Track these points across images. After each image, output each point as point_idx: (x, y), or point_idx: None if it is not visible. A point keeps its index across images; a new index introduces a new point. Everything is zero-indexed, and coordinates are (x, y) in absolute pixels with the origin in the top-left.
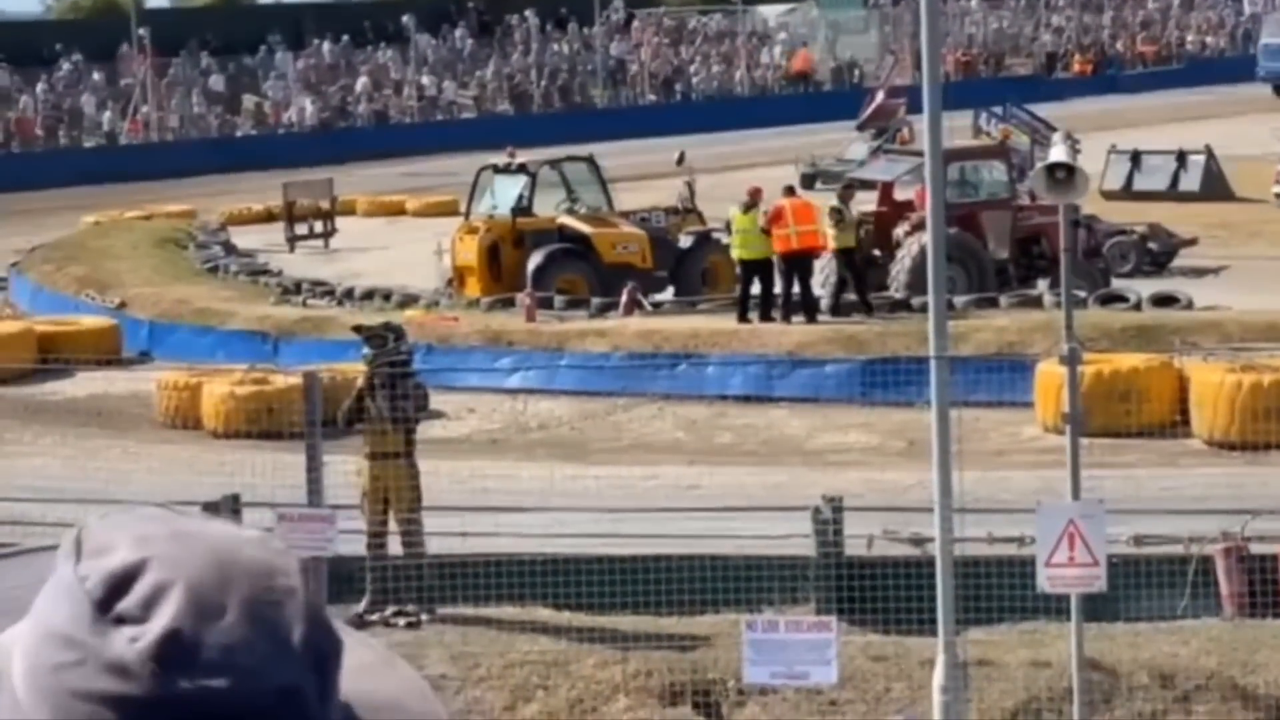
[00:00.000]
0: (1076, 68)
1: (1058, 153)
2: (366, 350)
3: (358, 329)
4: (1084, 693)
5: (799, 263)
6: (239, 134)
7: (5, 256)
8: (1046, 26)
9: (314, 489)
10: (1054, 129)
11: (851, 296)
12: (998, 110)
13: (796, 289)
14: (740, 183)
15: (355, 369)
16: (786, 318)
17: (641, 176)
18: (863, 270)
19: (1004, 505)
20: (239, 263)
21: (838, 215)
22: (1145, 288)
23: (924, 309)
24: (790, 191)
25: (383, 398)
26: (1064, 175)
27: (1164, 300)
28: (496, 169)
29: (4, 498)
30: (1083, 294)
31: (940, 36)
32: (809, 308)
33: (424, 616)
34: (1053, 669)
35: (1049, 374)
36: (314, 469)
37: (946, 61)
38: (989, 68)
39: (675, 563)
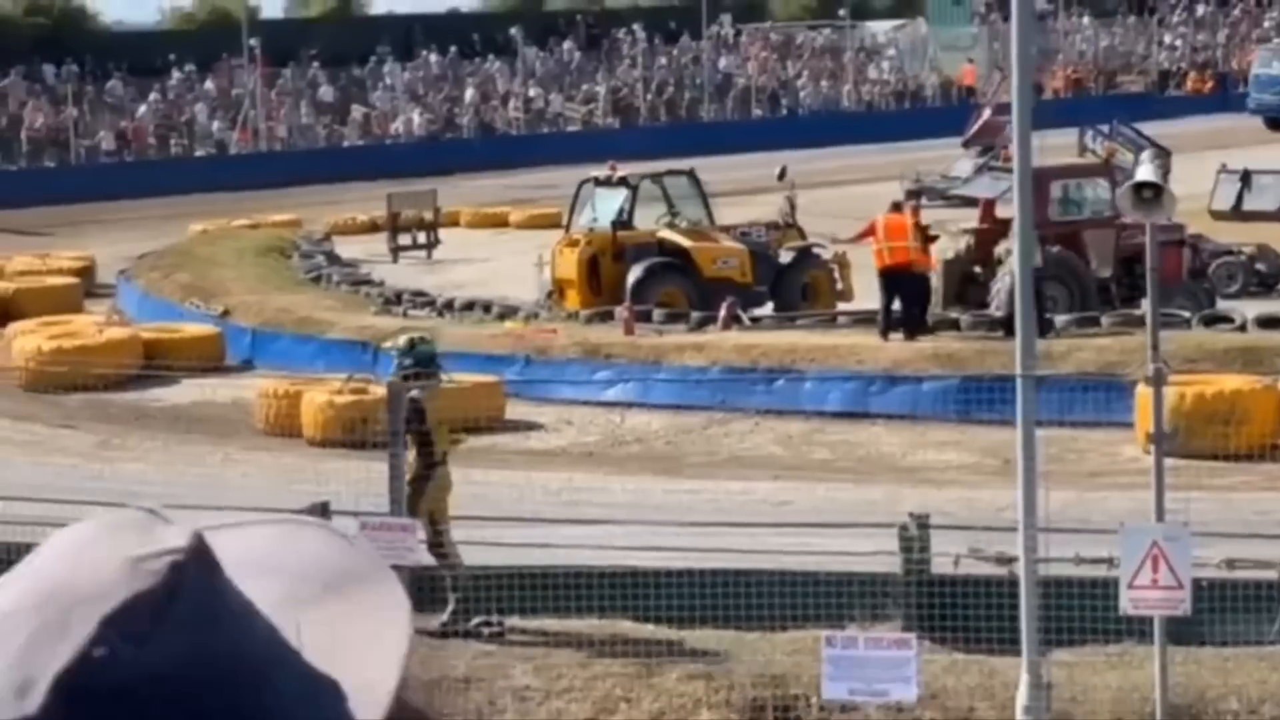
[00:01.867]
0: (1191, 85)
1: (1144, 171)
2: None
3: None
4: (1168, 717)
5: (894, 279)
6: (346, 144)
7: (117, 264)
8: (1159, 44)
9: (395, 499)
10: (1161, 148)
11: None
12: (1104, 128)
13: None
14: (843, 199)
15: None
16: (885, 334)
17: (744, 191)
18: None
19: (1097, 526)
20: (341, 272)
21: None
22: (1251, 309)
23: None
24: (896, 207)
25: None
26: (1150, 194)
27: (1270, 322)
28: (597, 182)
29: (105, 502)
30: (1186, 314)
31: (1031, 56)
32: (908, 324)
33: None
34: (1139, 692)
35: (1149, 394)
36: (396, 479)
37: (1056, 78)
38: (1099, 85)
39: (760, 578)
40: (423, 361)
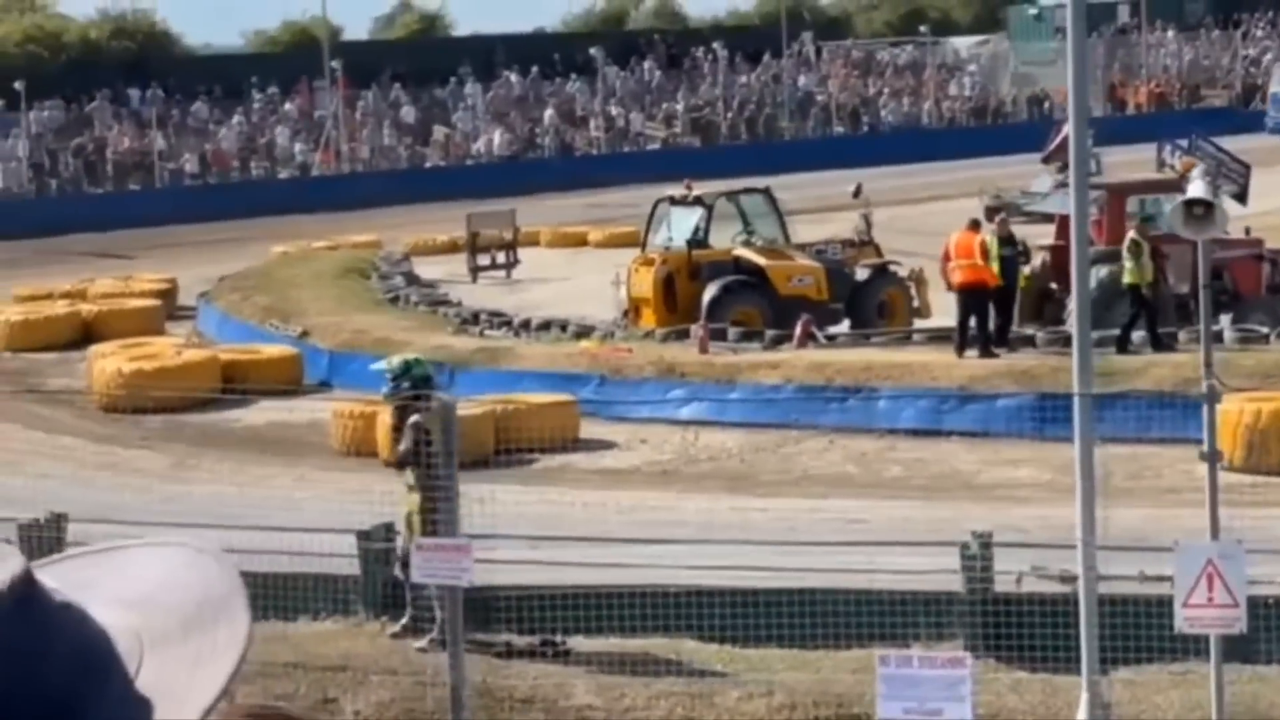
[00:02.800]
0: None
1: (1196, 188)
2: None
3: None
4: None
5: (967, 297)
6: (428, 165)
7: (198, 286)
8: (1244, 59)
9: (448, 519)
10: (1241, 162)
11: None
12: (1183, 143)
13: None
14: (923, 216)
15: (520, 399)
16: (959, 350)
17: (822, 209)
18: (1154, 306)
19: (1164, 544)
20: (419, 293)
21: (1136, 249)
22: None
23: (1101, 344)
24: (973, 225)
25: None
26: (1202, 211)
27: None
28: (673, 201)
29: (181, 523)
30: (1265, 330)
31: (1087, 72)
32: (984, 342)
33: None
34: (1201, 710)
35: (1226, 411)
36: (448, 499)
37: (1139, 93)
38: (1183, 99)
39: (823, 596)
40: (419, 383)
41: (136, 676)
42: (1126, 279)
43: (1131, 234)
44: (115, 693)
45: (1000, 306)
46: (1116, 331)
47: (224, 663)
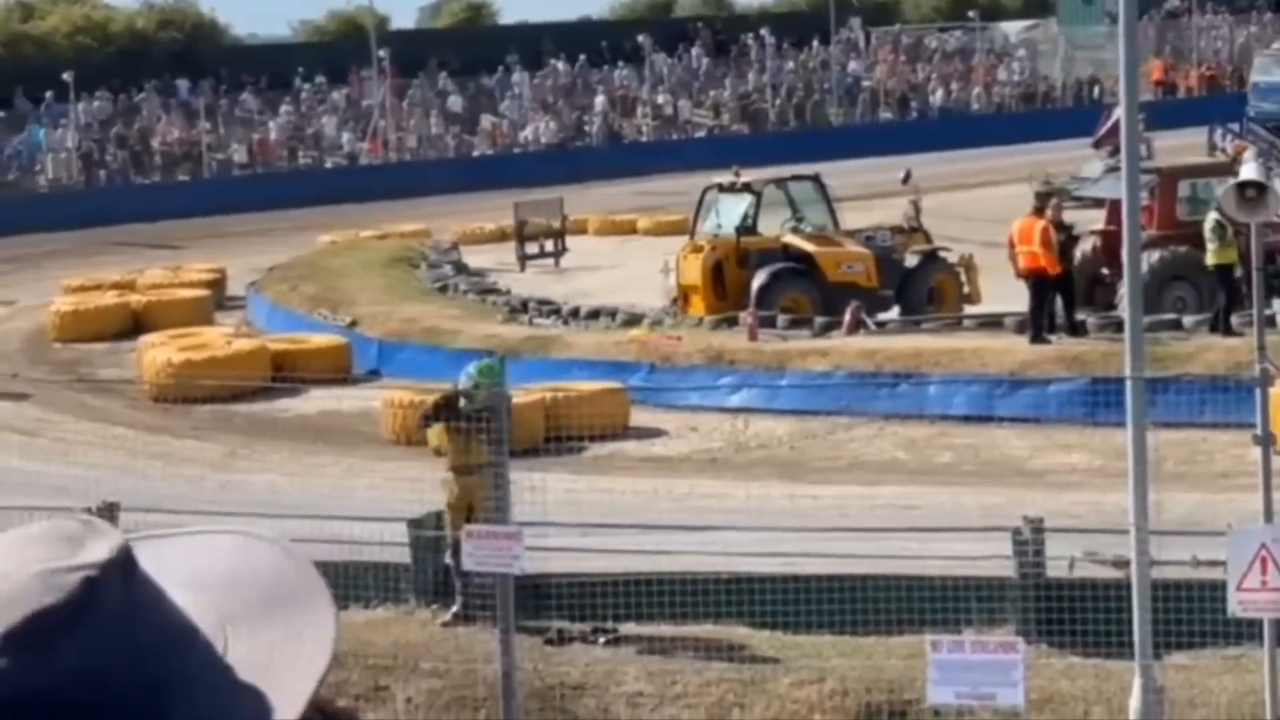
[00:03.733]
0: None
1: (1249, 170)
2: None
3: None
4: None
5: (1029, 283)
6: (475, 154)
7: (247, 276)
8: None
9: (500, 506)
10: None
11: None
12: (1234, 126)
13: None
14: (972, 202)
15: (570, 387)
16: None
17: (871, 195)
18: (1237, 290)
19: (1216, 528)
20: (468, 282)
21: (1220, 230)
22: None
23: (1153, 329)
24: (1037, 210)
25: (468, 411)
26: (1254, 193)
27: None
28: (722, 188)
29: (232, 512)
30: None
31: (1137, 55)
32: (1036, 329)
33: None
34: (1255, 695)
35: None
36: (500, 486)
37: (1189, 77)
38: (1234, 82)
39: (875, 582)
40: (489, 374)
41: (226, 654)
42: (1211, 260)
43: (1214, 215)
44: (207, 669)
45: (1063, 293)
46: (1170, 316)
47: (321, 644)
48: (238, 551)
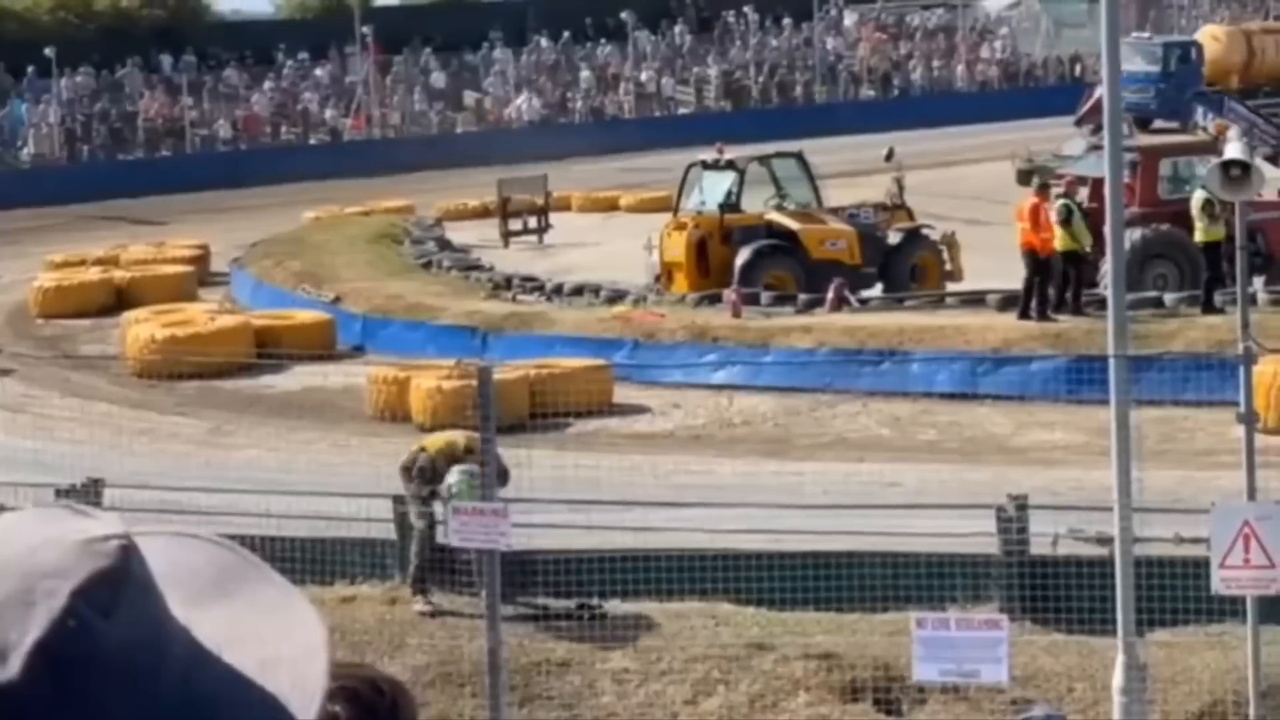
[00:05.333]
0: None
1: (1233, 149)
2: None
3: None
4: (1262, 696)
5: (1025, 259)
6: (459, 130)
7: (231, 252)
8: (1277, 18)
9: (488, 484)
10: (1275, 124)
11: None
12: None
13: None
14: (954, 179)
15: (554, 364)
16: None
17: (854, 173)
18: (1218, 269)
19: (1199, 505)
20: (452, 258)
21: (1209, 208)
22: None
23: (1134, 306)
24: (1041, 190)
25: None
26: (1239, 172)
27: None
28: (705, 165)
29: (219, 489)
30: None
31: (1118, 31)
32: (1040, 307)
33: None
34: (1237, 672)
35: (1260, 373)
36: (488, 464)
37: None
38: None
39: (859, 559)
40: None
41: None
42: (1200, 238)
43: (1202, 193)
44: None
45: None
46: (1152, 294)
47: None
48: (165, 549)
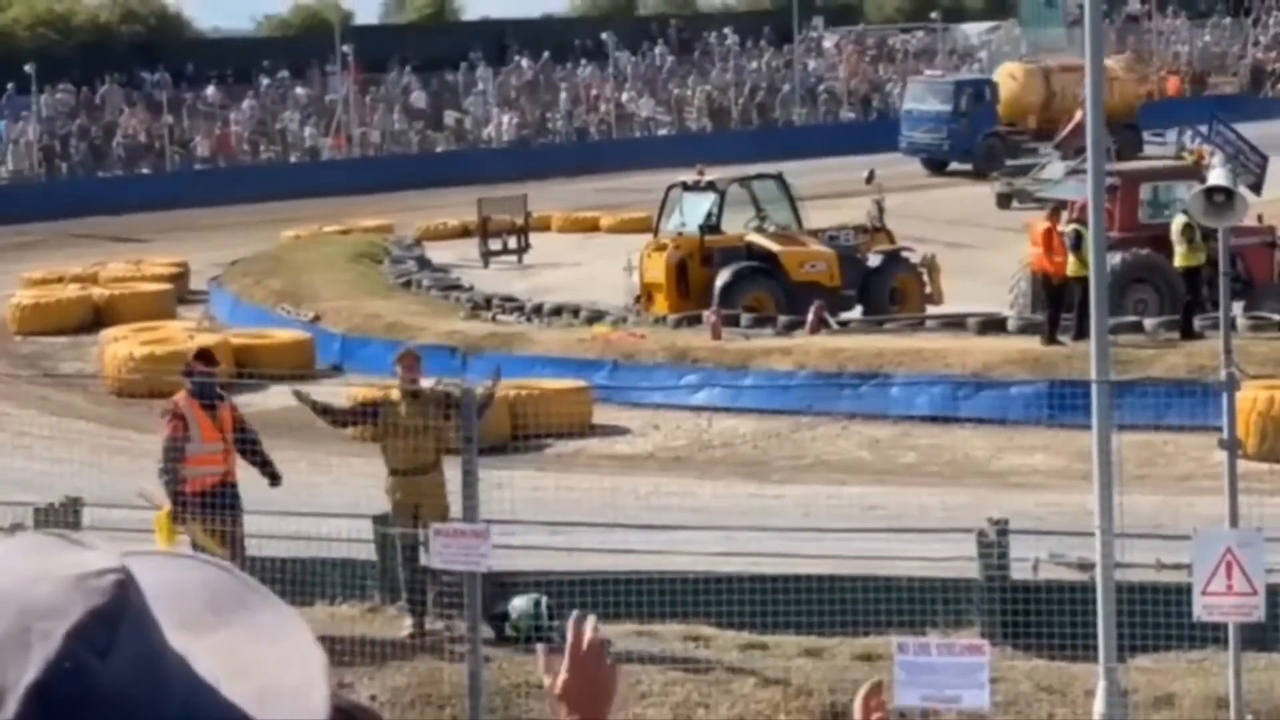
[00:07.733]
0: None
1: (1217, 176)
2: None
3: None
4: None
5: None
6: (439, 149)
7: (210, 270)
8: (1255, 44)
9: (469, 504)
10: (1260, 153)
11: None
12: (1203, 129)
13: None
14: (933, 203)
15: (534, 385)
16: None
17: (834, 194)
18: (1197, 293)
19: (1182, 531)
20: (431, 277)
21: (1189, 233)
22: None
23: (1114, 330)
24: (1053, 213)
25: (414, 412)
26: (1222, 199)
27: None
28: (685, 186)
29: None
30: (1277, 318)
31: (1103, 54)
32: (1049, 330)
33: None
34: (1221, 699)
35: (1241, 398)
36: (469, 484)
37: (1149, 80)
38: (1190, 87)
39: (839, 583)
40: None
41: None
42: (1179, 262)
43: (1182, 217)
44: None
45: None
46: (1132, 318)
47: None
48: (167, 571)
